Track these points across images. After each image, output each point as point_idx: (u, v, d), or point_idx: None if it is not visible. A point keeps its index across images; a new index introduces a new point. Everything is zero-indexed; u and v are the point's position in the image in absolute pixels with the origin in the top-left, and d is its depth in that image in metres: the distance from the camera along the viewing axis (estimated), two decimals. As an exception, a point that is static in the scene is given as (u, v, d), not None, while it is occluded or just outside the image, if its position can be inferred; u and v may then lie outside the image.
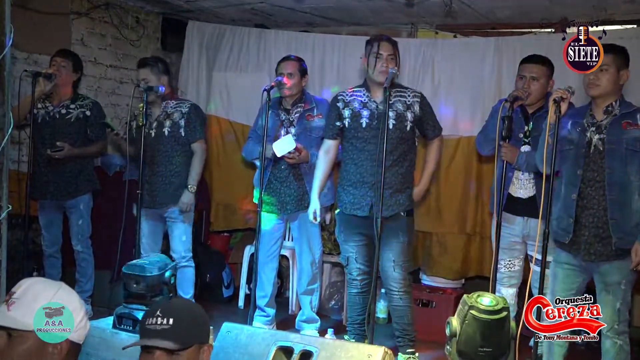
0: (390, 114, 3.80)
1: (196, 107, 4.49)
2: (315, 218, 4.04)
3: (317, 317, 4.44)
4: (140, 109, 4.06)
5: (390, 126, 3.78)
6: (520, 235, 3.97)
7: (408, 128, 3.88)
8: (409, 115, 3.87)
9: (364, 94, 3.93)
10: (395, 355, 3.94)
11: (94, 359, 3.72)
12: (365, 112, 3.89)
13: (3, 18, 2.57)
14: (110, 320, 3.85)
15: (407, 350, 3.95)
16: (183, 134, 4.32)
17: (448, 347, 2.67)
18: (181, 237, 4.36)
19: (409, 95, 3.92)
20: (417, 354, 3.97)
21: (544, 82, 3.88)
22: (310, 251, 4.34)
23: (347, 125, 3.95)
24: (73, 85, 4.64)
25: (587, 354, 4.28)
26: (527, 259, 4.10)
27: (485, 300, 2.54)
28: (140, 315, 3.24)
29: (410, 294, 3.99)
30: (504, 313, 2.52)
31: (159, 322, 1.85)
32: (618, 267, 3.16)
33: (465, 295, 2.59)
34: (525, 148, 3.89)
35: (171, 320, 1.85)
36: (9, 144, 2.62)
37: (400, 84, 4.07)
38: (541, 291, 3.19)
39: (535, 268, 3.57)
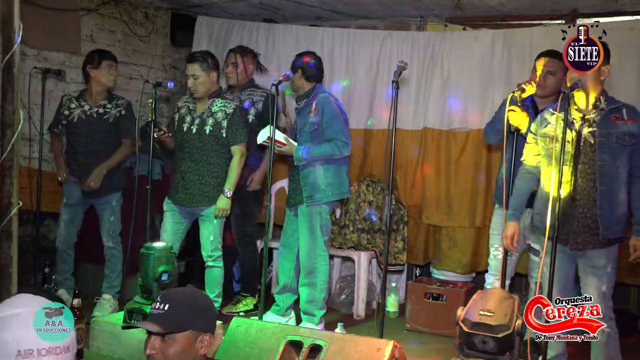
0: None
1: (241, 109, 4.41)
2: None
3: (315, 312, 4.36)
4: (150, 105, 4.05)
5: None
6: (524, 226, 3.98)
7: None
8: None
9: None
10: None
11: (105, 354, 3.76)
12: None
13: (12, 14, 2.57)
14: (120, 315, 3.89)
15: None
16: (224, 134, 4.24)
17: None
18: (209, 236, 4.31)
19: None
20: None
21: (560, 76, 3.83)
22: (309, 244, 4.30)
23: None
24: None
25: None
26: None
27: None
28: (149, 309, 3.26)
29: None
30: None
31: (157, 307, 1.97)
32: (605, 252, 3.25)
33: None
34: None
35: (167, 306, 1.95)
36: (19, 140, 2.63)
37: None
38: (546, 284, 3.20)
39: (533, 257, 3.71)
